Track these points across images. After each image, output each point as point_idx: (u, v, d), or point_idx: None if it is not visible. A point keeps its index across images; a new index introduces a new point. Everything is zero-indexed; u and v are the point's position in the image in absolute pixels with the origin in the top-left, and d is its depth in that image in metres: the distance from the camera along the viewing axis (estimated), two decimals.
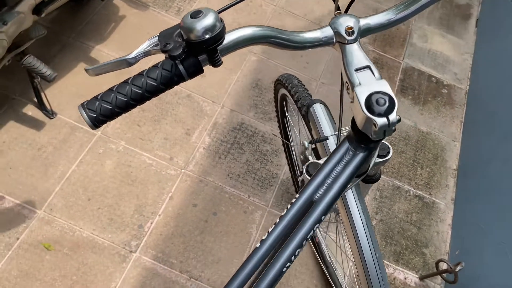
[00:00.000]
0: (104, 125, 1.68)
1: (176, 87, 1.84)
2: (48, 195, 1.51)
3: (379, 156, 0.76)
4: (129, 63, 0.56)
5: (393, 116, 0.56)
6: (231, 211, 1.60)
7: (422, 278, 1.62)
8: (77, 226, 1.48)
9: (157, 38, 0.55)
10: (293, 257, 0.60)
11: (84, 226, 1.48)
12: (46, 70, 1.46)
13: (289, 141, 1.50)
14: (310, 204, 0.63)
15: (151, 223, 1.53)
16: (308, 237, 0.61)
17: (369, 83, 0.59)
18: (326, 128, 0.92)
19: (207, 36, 0.51)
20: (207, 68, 1.78)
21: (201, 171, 1.66)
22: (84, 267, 1.41)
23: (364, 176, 0.87)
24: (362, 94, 0.57)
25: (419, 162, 1.89)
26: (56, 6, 1.59)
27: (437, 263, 1.54)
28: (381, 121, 0.56)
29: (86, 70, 0.58)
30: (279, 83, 1.19)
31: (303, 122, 1.03)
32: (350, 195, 0.82)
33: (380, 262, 0.81)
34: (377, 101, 0.56)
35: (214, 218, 1.57)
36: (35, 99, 1.65)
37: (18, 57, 1.46)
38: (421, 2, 0.64)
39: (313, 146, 1.01)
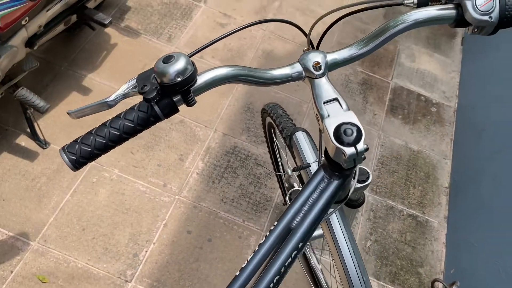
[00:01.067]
0: None
1: None
2: (42, 226, 1.51)
3: (359, 182, 0.78)
4: (109, 105, 0.59)
5: (360, 146, 0.59)
6: (226, 236, 1.60)
7: None
8: (72, 256, 1.47)
9: (135, 80, 0.58)
10: (271, 284, 0.62)
11: (79, 257, 1.47)
12: (39, 102, 1.47)
13: (279, 168, 1.52)
14: (288, 232, 0.65)
15: (146, 251, 1.53)
16: (286, 264, 0.63)
17: (337, 115, 0.61)
18: (309, 155, 0.94)
19: (179, 79, 0.54)
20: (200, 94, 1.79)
21: (195, 196, 1.67)
22: None
23: (346, 201, 0.90)
24: (330, 125, 0.60)
25: (411, 181, 1.91)
26: (49, 38, 1.62)
27: (432, 283, 1.54)
28: (349, 150, 0.58)
29: (69, 114, 0.61)
30: (264, 112, 1.21)
31: (287, 151, 1.05)
32: (335, 220, 0.83)
33: (368, 285, 0.82)
34: (345, 132, 0.59)
35: (209, 245, 1.57)
36: (28, 130, 1.66)
37: (11, 90, 1.48)
38: (379, 39, 0.68)
39: (298, 173, 1.03)
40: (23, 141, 1.66)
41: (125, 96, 0.61)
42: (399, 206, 1.82)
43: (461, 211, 1.78)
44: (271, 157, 1.58)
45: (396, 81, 2.24)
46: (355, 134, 0.59)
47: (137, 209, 1.60)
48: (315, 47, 0.80)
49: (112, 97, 0.60)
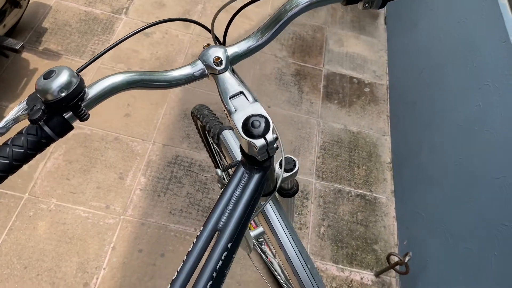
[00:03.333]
0: (31, 185, 1.59)
1: (101, 131, 1.79)
2: None
3: (286, 171, 0.77)
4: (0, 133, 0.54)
5: (270, 136, 0.58)
6: (179, 248, 1.56)
7: (377, 275, 1.65)
8: None
9: (25, 102, 0.53)
10: None
11: None
12: None
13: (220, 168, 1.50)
14: (214, 234, 0.63)
15: (97, 278, 1.46)
16: (218, 268, 0.61)
17: (244, 108, 0.60)
18: (237, 152, 0.92)
19: (63, 94, 0.50)
20: (132, 107, 1.74)
21: (141, 213, 1.62)
22: None
23: (280, 192, 0.89)
24: (238, 120, 0.59)
25: (354, 162, 1.94)
26: None
27: (388, 257, 1.58)
28: (259, 142, 0.57)
29: None
30: (193, 115, 1.19)
31: (217, 151, 1.03)
32: (271, 213, 0.82)
33: (313, 271, 0.81)
34: (252, 124, 0.58)
35: (163, 260, 1.53)
36: None
37: None
38: (278, 25, 0.67)
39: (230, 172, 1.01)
40: None
41: (15, 120, 0.56)
42: (346, 188, 1.85)
43: (406, 183, 1.83)
44: (212, 159, 1.55)
45: (328, 68, 2.28)
46: (263, 125, 0.58)
47: (81, 237, 1.53)
48: (221, 42, 0.78)
49: (2, 124, 0.55)
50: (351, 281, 1.62)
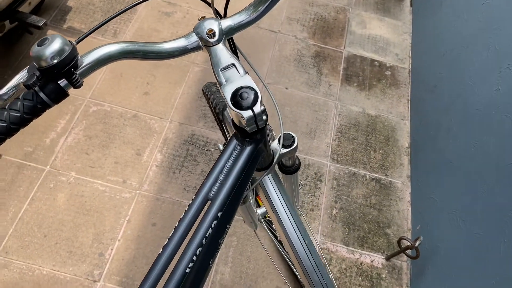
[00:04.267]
0: (52, 158, 1.66)
1: (120, 108, 1.83)
2: (1, 239, 1.48)
3: (284, 147, 0.78)
4: (1, 99, 0.57)
5: (257, 108, 0.58)
6: None
7: (388, 258, 1.65)
8: (36, 264, 1.45)
9: (26, 70, 0.56)
10: (194, 256, 0.62)
11: (43, 264, 1.46)
12: None
13: None
14: (206, 202, 0.65)
15: (112, 249, 1.52)
16: (207, 235, 0.63)
17: (234, 80, 0.61)
18: None
19: (55, 61, 0.52)
20: (151, 86, 1.78)
21: (157, 189, 1.66)
22: None
23: (281, 168, 0.90)
24: (228, 92, 0.60)
25: (371, 145, 1.93)
26: None
27: (399, 241, 1.58)
28: (246, 114, 0.58)
29: None
30: (204, 93, 1.20)
31: (224, 127, 1.05)
32: (271, 188, 0.83)
33: (311, 248, 0.82)
34: (241, 96, 0.59)
35: None
36: None
37: None
38: (266, 4, 0.68)
39: None
40: None
41: (16, 87, 0.59)
42: (361, 172, 1.84)
43: (423, 168, 1.81)
44: (224, 137, 1.57)
45: (349, 50, 2.25)
46: (251, 97, 0.59)
47: (98, 209, 1.58)
48: (222, 16, 0.78)
49: (4, 90, 0.59)
50: (361, 264, 1.63)
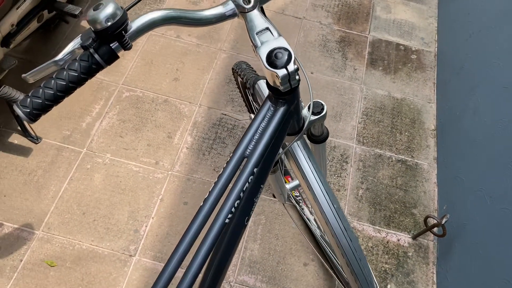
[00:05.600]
0: (88, 141, 1.74)
1: (151, 94, 1.90)
2: (44, 216, 1.57)
3: (314, 114, 0.82)
4: (58, 64, 0.63)
5: (291, 66, 0.63)
6: None
7: (414, 237, 1.67)
8: (76, 240, 1.54)
9: (80, 37, 0.62)
10: (233, 208, 0.66)
11: (83, 239, 1.54)
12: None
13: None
14: (242, 160, 0.70)
15: (146, 226, 1.59)
16: (245, 189, 0.68)
17: (268, 42, 0.65)
18: None
19: (109, 23, 0.58)
20: (180, 72, 1.85)
21: (187, 170, 1.73)
22: (88, 277, 1.48)
23: (310, 137, 0.93)
24: (263, 53, 0.64)
25: (397, 128, 1.94)
26: (24, 36, 1.66)
27: (425, 220, 1.59)
28: (281, 72, 0.62)
29: (24, 77, 0.65)
30: (234, 72, 1.25)
31: (253, 101, 1.09)
32: (300, 155, 0.87)
33: (340, 212, 0.86)
34: (275, 56, 0.63)
35: None
36: (19, 128, 1.71)
37: None
38: None
39: None
40: (16, 139, 1.72)
41: (72, 53, 0.65)
42: (387, 153, 1.86)
43: (449, 149, 1.81)
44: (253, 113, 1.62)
45: (374, 34, 2.26)
46: (285, 57, 0.63)
47: (132, 188, 1.66)
48: None
49: (60, 56, 0.65)
50: (387, 242, 1.65)
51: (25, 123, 1.70)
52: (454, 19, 2.17)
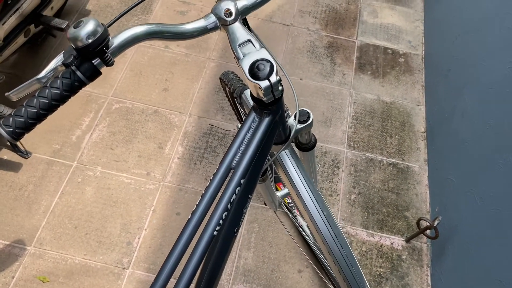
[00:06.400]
0: (79, 154, 1.73)
1: (141, 105, 1.89)
2: (35, 231, 1.56)
3: (300, 122, 0.82)
4: (41, 82, 0.63)
5: (273, 78, 0.63)
6: None
7: (408, 240, 1.67)
8: (68, 254, 1.53)
9: (62, 54, 0.62)
10: (220, 220, 0.66)
11: (75, 253, 1.53)
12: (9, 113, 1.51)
13: None
14: (229, 172, 0.70)
15: (139, 238, 1.58)
16: (232, 201, 0.68)
17: (250, 54, 0.65)
18: None
19: (90, 41, 0.58)
20: (170, 82, 1.85)
21: (179, 180, 1.72)
22: None
23: (298, 145, 0.94)
24: (245, 65, 0.64)
25: (387, 131, 1.95)
26: (12, 51, 1.66)
27: (417, 222, 1.60)
28: (263, 84, 0.63)
29: (7, 96, 0.65)
30: (221, 82, 1.26)
31: (241, 110, 1.09)
32: (289, 163, 0.88)
33: (330, 219, 0.86)
34: (257, 67, 0.63)
35: None
36: (8, 143, 1.70)
37: None
38: None
39: None
40: (5, 154, 1.71)
41: (55, 70, 0.65)
42: (378, 157, 1.87)
43: (440, 151, 1.82)
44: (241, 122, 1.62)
45: (362, 39, 2.27)
46: (267, 68, 0.64)
47: (124, 201, 1.65)
48: None
49: (43, 74, 0.65)
50: (381, 246, 1.65)
51: None
52: (440, 21, 2.19)
